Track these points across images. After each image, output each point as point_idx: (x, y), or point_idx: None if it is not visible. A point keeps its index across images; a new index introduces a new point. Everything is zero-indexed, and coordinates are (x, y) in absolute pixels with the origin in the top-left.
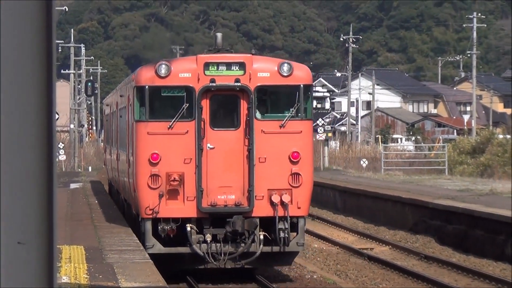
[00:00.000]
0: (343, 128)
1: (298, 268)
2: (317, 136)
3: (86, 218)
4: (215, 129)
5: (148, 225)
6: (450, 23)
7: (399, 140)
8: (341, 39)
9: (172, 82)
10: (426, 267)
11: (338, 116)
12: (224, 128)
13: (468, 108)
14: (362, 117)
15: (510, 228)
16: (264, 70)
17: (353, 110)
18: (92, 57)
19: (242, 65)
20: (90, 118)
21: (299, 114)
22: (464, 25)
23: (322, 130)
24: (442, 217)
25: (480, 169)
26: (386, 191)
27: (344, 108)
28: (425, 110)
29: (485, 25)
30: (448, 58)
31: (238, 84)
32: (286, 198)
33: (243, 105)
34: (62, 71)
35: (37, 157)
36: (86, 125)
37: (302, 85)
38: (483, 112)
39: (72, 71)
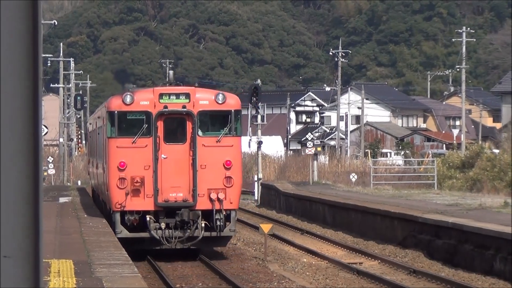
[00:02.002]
0: (332, 143)
1: (287, 282)
2: (307, 151)
3: (75, 232)
4: (167, 143)
5: (117, 216)
6: (439, 37)
7: (388, 154)
8: (330, 53)
9: (135, 108)
10: (415, 281)
11: (328, 131)
12: (174, 142)
13: (457, 123)
14: (351, 131)
15: (498, 242)
16: (204, 99)
17: (342, 124)
18: (81, 71)
19: (187, 95)
20: (79, 132)
21: (231, 132)
22: (453, 40)
23: (312, 144)
24: (431, 232)
25: (469, 183)
26: (375, 205)
27: (334, 123)
28: (414, 125)
29: (475, 40)
30: (437, 73)
31: (185, 109)
32: (221, 196)
33: (189, 125)
34: (51, 85)
35: (23, 170)
36: (75, 139)
37: (233, 110)
38: (473, 126)
39: (61, 85)
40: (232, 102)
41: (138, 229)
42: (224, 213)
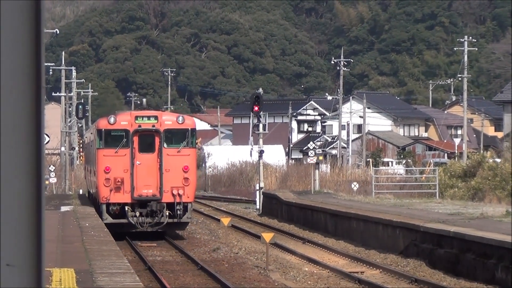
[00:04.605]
0: (334, 152)
1: None
2: (308, 160)
3: (77, 240)
4: (141, 153)
5: (104, 207)
6: (441, 46)
7: (390, 163)
8: (332, 62)
9: (117, 127)
10: None
11: (329, 140)
12: (146, 152)
13: (459, 132)
14: (353, 140)
15: (500, 252)
16: (169, 120)
17: (344, 133)
18: (83, 80)
19: (156, 117)
20: (81, 141)
21: (188, 145)
22: (455, 49)
23: (313, 153)
24: (433, 241)
25: (471, 192)
26: (377, 214)
27: (335, 132)
28: (416, 134)
29: (476, 49)
30: (439, 82)
31: (154, 128)
32: (181, 192)
33: (157, 140)
34: (53, 94)
35: (25, 179)
36: (77, 148)
37: (189, 128)
38: (474, 135)
39: (63, 93)
40: (189, 122)
41: (119, 216)
42: (183, 204)
